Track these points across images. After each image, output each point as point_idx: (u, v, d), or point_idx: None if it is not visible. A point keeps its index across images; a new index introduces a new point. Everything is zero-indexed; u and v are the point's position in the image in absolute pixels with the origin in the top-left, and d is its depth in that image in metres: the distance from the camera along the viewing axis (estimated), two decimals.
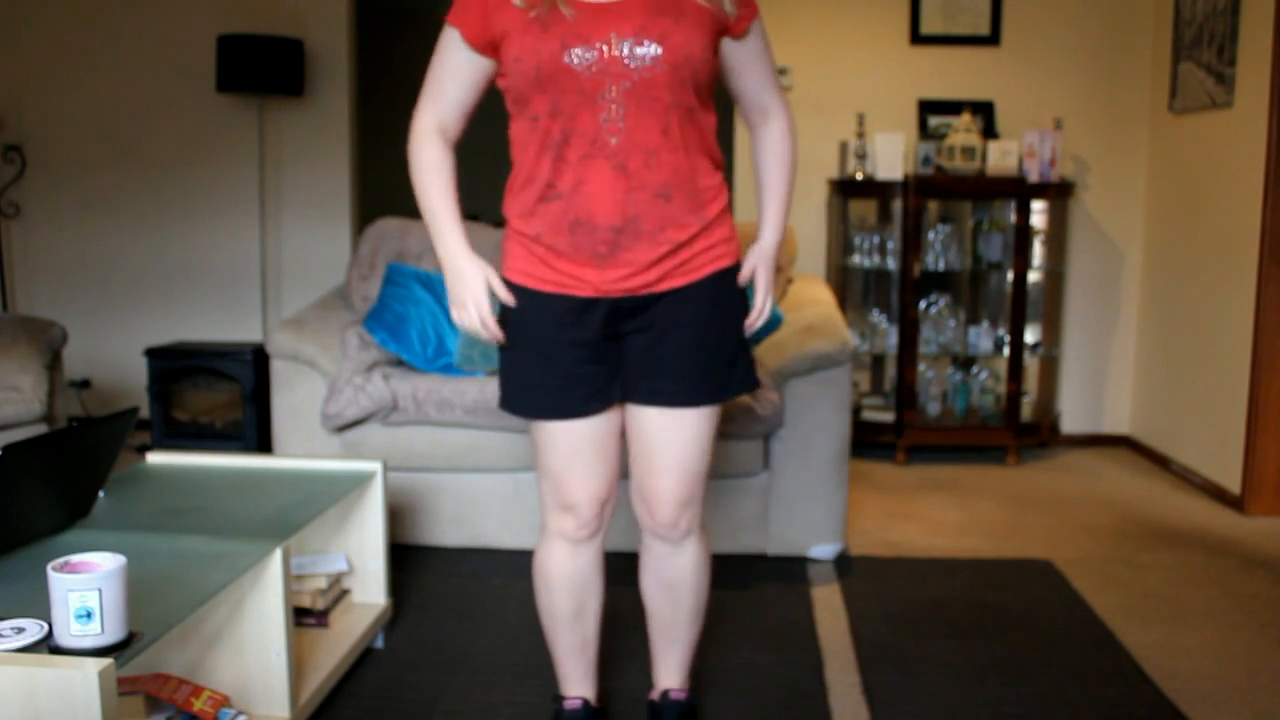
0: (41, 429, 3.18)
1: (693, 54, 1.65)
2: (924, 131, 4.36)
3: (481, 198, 7.13)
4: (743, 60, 1.80)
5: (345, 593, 2.46)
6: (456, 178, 1.83)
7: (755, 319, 1.86)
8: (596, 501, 1.89)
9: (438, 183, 1.80)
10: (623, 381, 1.83)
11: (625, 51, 1.63)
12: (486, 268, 1.79)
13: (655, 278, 1.74)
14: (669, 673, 2.05)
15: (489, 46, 1.72)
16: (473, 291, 1.77)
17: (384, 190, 7.03)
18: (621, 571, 2.69)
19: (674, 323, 1.77)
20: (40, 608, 1.50)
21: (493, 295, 1.80)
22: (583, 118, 1.66)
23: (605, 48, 1.62)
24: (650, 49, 1.63)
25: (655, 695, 2.08)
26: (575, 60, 1.63)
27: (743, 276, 1.84)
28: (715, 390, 1.83)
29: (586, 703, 2.03)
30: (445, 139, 1.82)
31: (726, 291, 1.81)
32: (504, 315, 1.82)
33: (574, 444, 1.84)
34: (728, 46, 1.77)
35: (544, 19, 1.64)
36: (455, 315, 1.81)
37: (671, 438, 1.84)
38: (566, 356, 1.78)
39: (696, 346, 1.79)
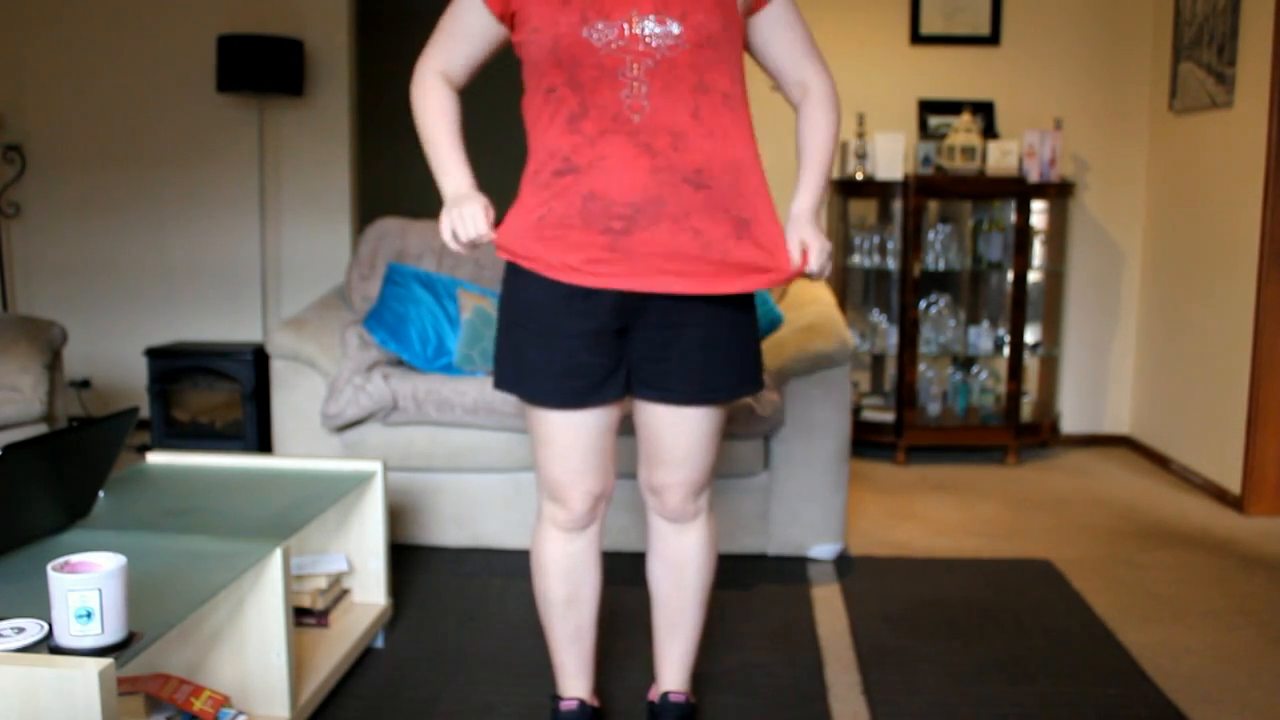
0: (41, 429, 3.18)
1: (714, 33, 1.64)
2: (924, 131, 4.36)
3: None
4: (769, 31, 1.77)
5: (345, 593, 2.46)
6: (460, 118, 1.81)
7: (816, 265, 1.76)
8: (589, 497, 1.89)
9: (441, 119, 1.78)
10: (630, 377, 1.82)
11: (646, 29, 1.61)
12: (488, 205, 1.75)
13: (671, 272, 1.68)
14: (671, 672, 2.04)
15: (507, 15, 1.71)
16: (472, 209, 1.71)
17: (384, 190, 7.05)
18: (621, 572, 2.70)
19: (687, 321, 1.75)
20: (40, 608, 1.50)
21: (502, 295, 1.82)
22: (602, 92, 1.63)
23: (626, 25, 1.61)
24: (670, 27, 1.61)
25: (655, 696, 2.08)
26: (595, 36, 1.61)
27: (792, 254, 1.75)
28: (726, 390, 1.82)
29: (583, 703, 2.03)
30: (450, 82, 1.81)
31: (745, 298, 1.81)
32: (508, 296, 1.80)
33: (570, 438, 1.83)
34: (753, 22, 1.75)
35: None
36: (447, 232, 1.72)
37: (681, 434, 1.85)
38: (569, 344, 1.75)
39: (709, 347, 1.77)
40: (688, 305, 1.75)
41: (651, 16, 1.62)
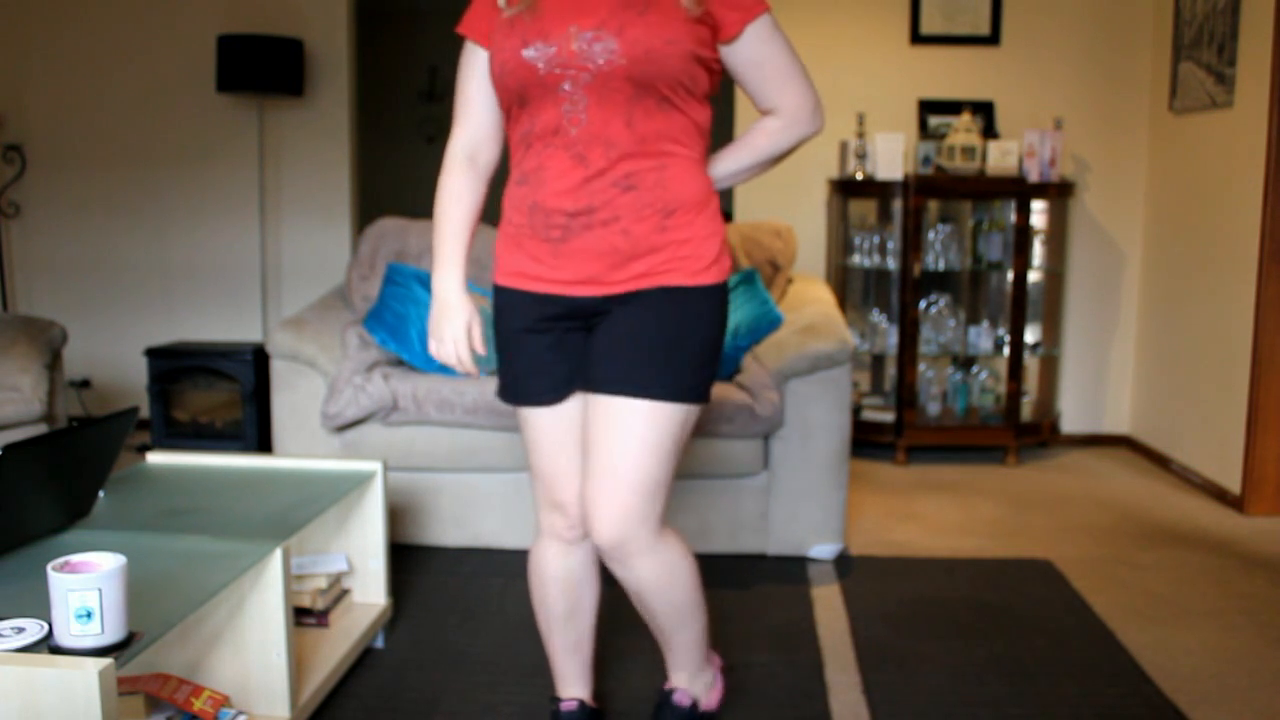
0: (41, 429, 3.18)
1: (652, 48, 1.62)
2: (924, 131, 4.36)
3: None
4: (739, 66, 1.75)
5: (345, 593, 2.46)
6: (478, 210, 1.85)
7: None
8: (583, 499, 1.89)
9: (452, 213, 1.82)
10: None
11: (583, 46, 1.63)
12: (474, 313, 1.83)
13: (608, 275, 1.71)
14: (672, 671, 2.04)
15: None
16: (453, 332, 1.82)
17: (384, 190, 7.05)
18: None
19: (629, 314, 1.74)
20: (40, 608, 1.50)
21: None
22: (546, 110, 1.68)
23: (565, 43, 1.63)
24: (608, 42, 1.62)
25: (667, 685, 2.07)
26: (533, 55, 1.65)
27: None
28: (650, 386, 1.72)
29: (582, 703, 2.03)
30: (475, 166, 1.83)
31: (697, 302, 1.74)
32: (494, 306, 1.87)
33: (552, 437, 1.85)
34: (724, 51, 1.73)
35: (514, 18, 1.68)
36: (432, 347, 1.85)
37: (605, 434, 1.75)
38: (530, 343, 1.81)
39: (639, 336, 1.73)
40: (640, 303, 1.74)
41: (590, 32, 1.63)
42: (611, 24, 1.62)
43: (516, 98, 1.71)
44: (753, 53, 1.73)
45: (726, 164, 1.84)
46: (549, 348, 1.80)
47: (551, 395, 1.83)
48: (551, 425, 1.85)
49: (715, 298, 1.76)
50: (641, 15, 1.63)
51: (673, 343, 1.74)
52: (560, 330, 1.79)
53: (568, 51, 1.63)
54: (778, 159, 1.85)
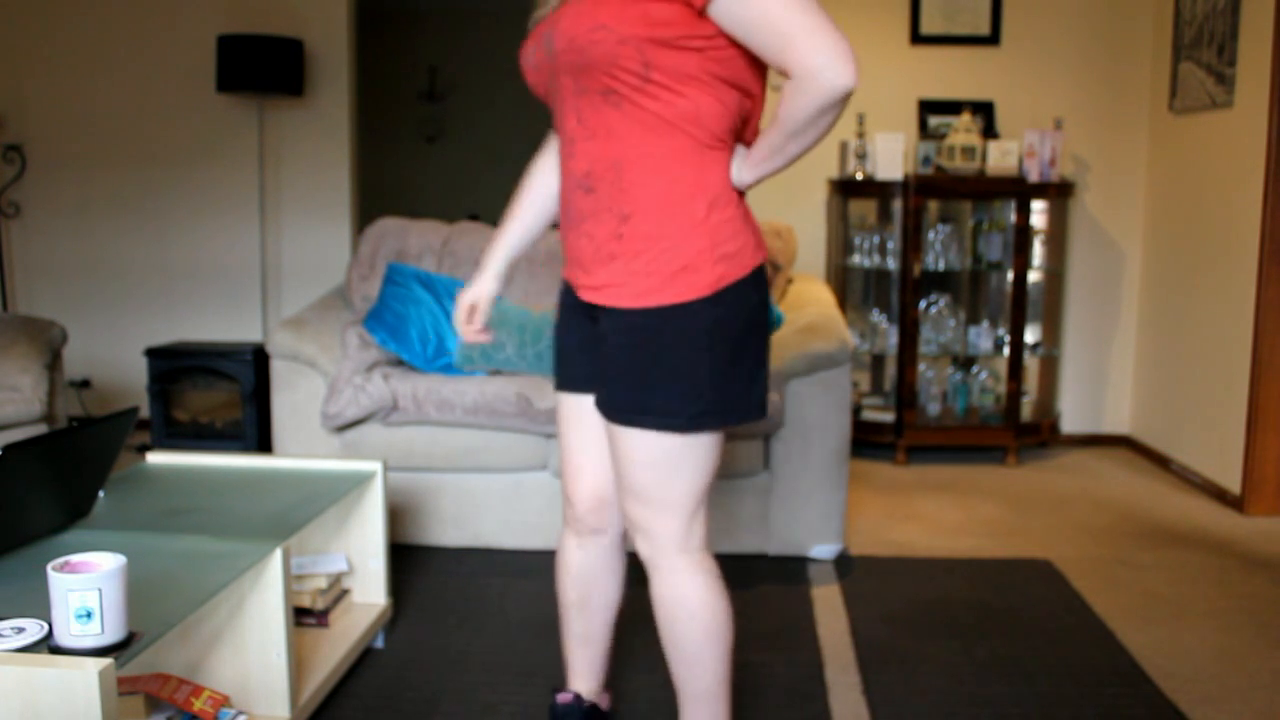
0: (41, 429, 3.18)
1: (576, 36, 1.55)
2: (924, 131, 4.36)
3: (483, 198, 7.15)
4: (732, 33, 1.56)
5: (345, 593, 2.46)
6: (555, 193, 1.90)
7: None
8: (592, 498, 1.87)
9: (520, 193, 1.93)
10: None
11: (547, 46, 1.65)
12: (484, 295, 1.94)
13: (584, 279, 1.70)
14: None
15: None
16: (461, 304, 1.95)
17: (384, 190, 7.05)
18: (634, 572, 2.69)
19: (610, 329, 1.69)
20: (40, 608, 1.50)
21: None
22: (554, 109, 1.72)
23: (541, 43, 1.66)
24: (553, 39, 1.62)
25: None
26: (529, 60, 1.70)
27: None
28: (616, 409, 1.68)
29: (579, 698, 2.03)
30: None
31: (653, 327, 1.62)
32: None
33: (569, 429, 1.87)
34: (714, 19, 1.55)
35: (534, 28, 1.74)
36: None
37: (612, 446, 1.74)
38: (564, 331, 1.85)
39: (610, 354, 1.68)
40: (602, 319, 1.70)
41: (549, 30, 1.64)
42: (555, 20, 1.62)
43: (541, 99, 1.76)
44: (736, 15, 1.51)
45: (762, 147, 1.62)
46: (577, 340, 1.82)
47: (571, 385, 1.86)
48: (572, 416, 1.87)
49: (677, 318, 1.61)
50: (577, 6, 1.56)
51: (630, 368, 1.65)
52: (581, 322, 1.80)
53: (540, 52, 1.66)
54: (812, 124, 1.53)
